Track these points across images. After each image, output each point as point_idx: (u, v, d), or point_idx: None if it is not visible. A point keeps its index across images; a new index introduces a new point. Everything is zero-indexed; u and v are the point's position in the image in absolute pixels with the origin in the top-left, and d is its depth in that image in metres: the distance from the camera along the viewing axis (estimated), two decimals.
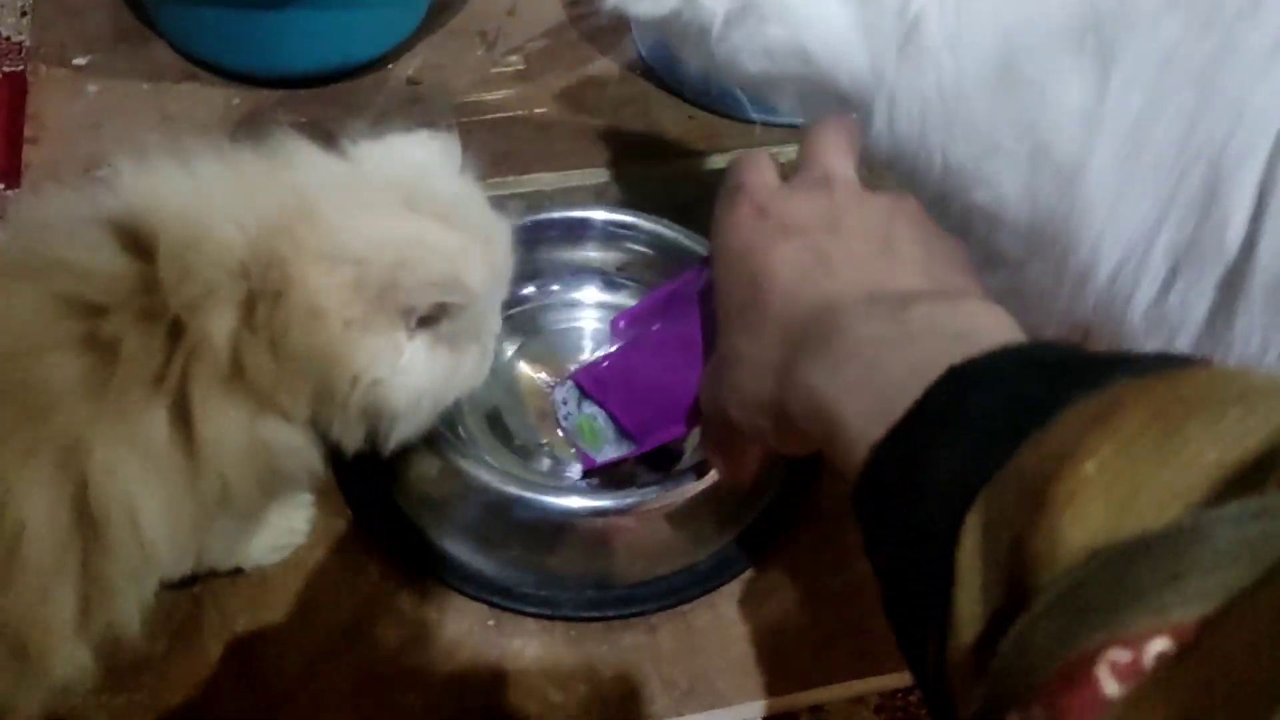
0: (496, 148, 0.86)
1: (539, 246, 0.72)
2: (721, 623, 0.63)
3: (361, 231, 0.50)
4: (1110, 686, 0.24)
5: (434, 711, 0.59)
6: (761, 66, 0.56)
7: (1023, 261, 0.57)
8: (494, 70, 0.94)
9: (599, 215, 0.74)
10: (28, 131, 0.85)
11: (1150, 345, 0.55)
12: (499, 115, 0.89)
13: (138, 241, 0.48)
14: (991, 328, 0.38)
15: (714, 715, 0.61)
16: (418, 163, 0.55)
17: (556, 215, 0.74)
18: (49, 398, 0.45)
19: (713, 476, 0.61)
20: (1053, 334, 0.58)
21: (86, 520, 0.46)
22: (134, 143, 0.82)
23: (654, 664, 0.62)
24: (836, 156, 0.51)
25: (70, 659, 0.48)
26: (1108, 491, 0.27)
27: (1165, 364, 0.30)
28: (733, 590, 0.64)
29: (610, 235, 0.74)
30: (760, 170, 0.52)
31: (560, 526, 0.61)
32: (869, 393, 0.37)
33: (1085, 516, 0.26)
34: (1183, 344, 0.54)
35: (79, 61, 0.90)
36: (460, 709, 0.59)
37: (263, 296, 0.48)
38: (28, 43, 0.93)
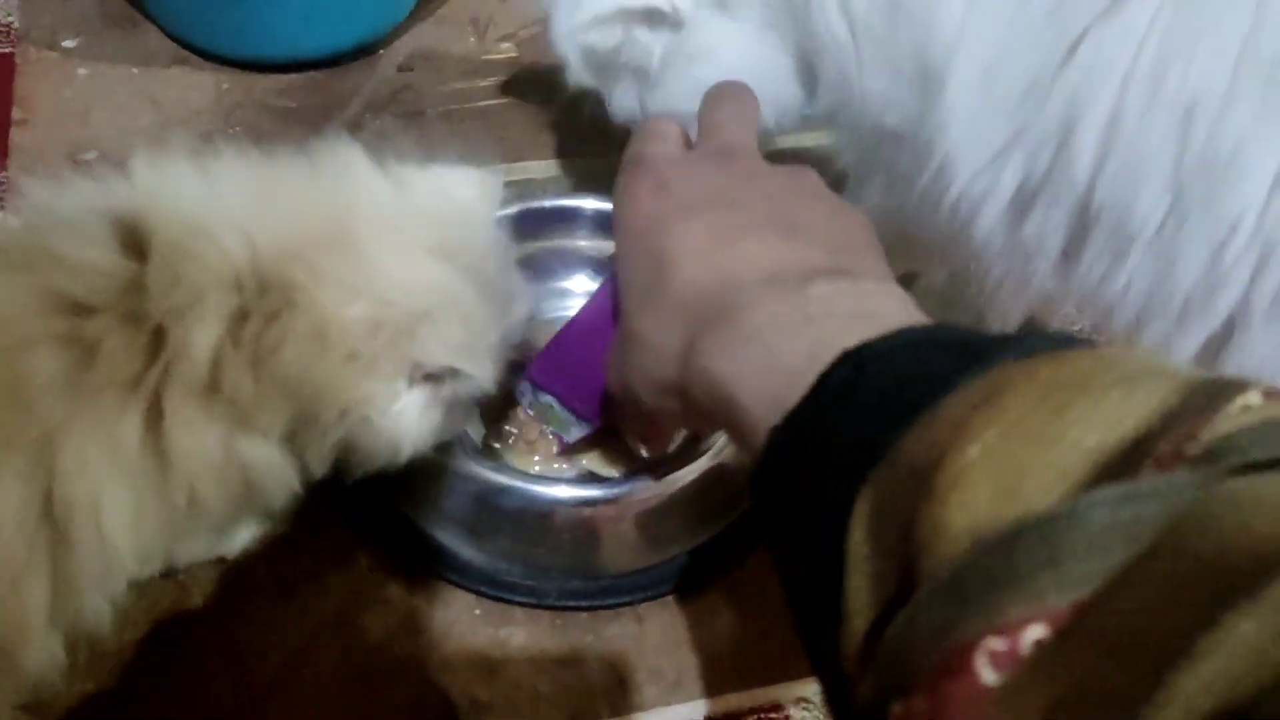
0: (487, 135, 0.86)
1: (529, 235, 0.72)
2: (709, 614, 0.63)
3: (393, 270, 0.49)
4: (988, 675, 0.24)
5: (420, 701, 0.59)
6: (692, 105, 0.56)
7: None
8: (485, 58, 0.94)
9: (589, 204, 0.74)
10: (15, 114, 0.85)
11: (1008, 274, 0.58)
12: (490, 103, 0.89)
13: (136, 241, 0.47)
14: (890, 309, 0.38)
15: (700, 706, 0.61)
16: (461, 203, 0.54)
17: (547, 204, 0.74)
18: (29, 393, 0.44)
19: (700, 467, 0.61)
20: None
21: (52, 516, 0.45)
22: (122, 127, 0.83)
23: (640, 654, 0.62)
24: (736, 127, 0.50)
25: (43, 652, 0.47)
26: (992, 476, 0.26)
27: (1051, 345, 0.30)
28: (720, 582, 0.64)
29: (601, 224, 0.73)
30: (662, 139, 0.50)
31: (547, 516, 0.61)
32: (767, 377, 0.36)
33: (969, 503, 0.26)
34: (1040, 271, 0.57)
35: (68, 44, 0.90)
36: (446, 699, 0.59)
37: (256, 313, 0.47)
38: (16, 24, 0.92)
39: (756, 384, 0.37)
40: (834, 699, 0.31)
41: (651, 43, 0.59)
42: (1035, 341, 0.30)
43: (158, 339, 0.46)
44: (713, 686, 0.61)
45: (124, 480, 0.46)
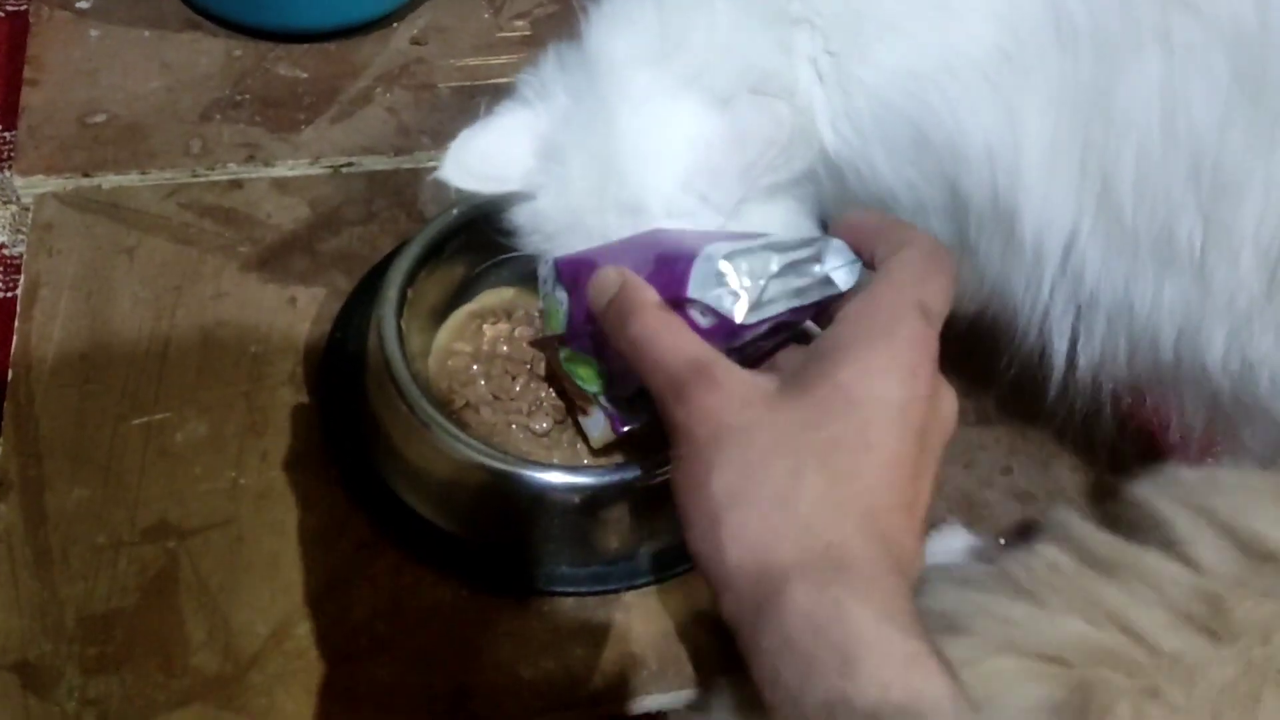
0: None
1: None
2: (694, 604, 0.63)
3: None
4: None
5: (402, 682, 0.59)
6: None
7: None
8: (499, 34, 0.93)
9: None
10: (27, 73, 0.84)
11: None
12: (503, 80, 0.88)
13: None
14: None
15: (682, 695, 0.61)
16: None
17: None
18: None
19: None
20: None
21: None
22: (132, 90, 0.83)
23: (624, 643, 0.62)
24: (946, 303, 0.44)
25: None
26: None
27: None
28: None
29: None
30: (950, 291, 0.44)
31: (538, 501, 0.61)
32: (904, 660, 0.35)
33: None
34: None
35: (82, 5, 0.89)
36: (428, 682, 0.59)
37: None
38: None
39: (889, 665, 0.34)
40: None
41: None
42: None
43: None
44: (695, 677, 0.61)
45: None
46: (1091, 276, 0.56)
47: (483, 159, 0.61)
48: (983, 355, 0.66)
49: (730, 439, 0.40)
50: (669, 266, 0.47)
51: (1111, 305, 0.57)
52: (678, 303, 0.46)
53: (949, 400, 0.42)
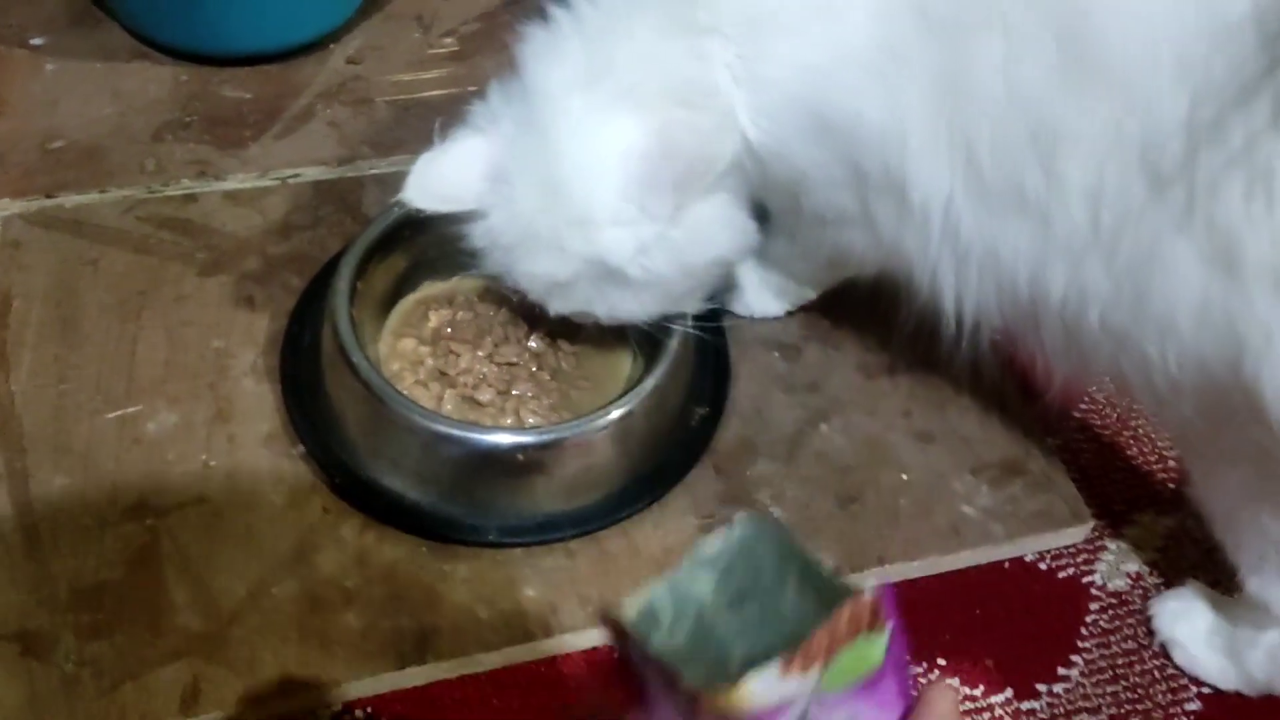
0: (430, 124, 0.92)
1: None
2: (632, 546, 0.70)
3: None
4: None
5: (372, 628, 0.65)
6: (687, 281, 0.67)
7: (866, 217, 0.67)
8: (429, 51, 1.00)
9: None
10: None
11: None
12: (434, 94, 0.95)
13: None
14: None
15: None
16: None
17: None
18: None
19: (621, 411, 0.68)
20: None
21: None
22: (88, 117, 0.89)
23: (571, 584, 0.68)
24: None
25: None
26: None
27: None
28: (642, 518, 0.71)
29: None
30: None
31: (484, 459, 0.67)
32: None
33: None
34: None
35: (36, 42, 0.95)
36: (395, 625, 0.65)
37: None
38: None
39: None
40: None
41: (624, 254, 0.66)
42: None
43: None
44: None
45: None
46: (966, 232, 0.64)
47: (440, 182, 0.68)
48: (883, 312, 0.73)
49: None
50: None
51: (982, 256, 0.64)
52: None
53: None
